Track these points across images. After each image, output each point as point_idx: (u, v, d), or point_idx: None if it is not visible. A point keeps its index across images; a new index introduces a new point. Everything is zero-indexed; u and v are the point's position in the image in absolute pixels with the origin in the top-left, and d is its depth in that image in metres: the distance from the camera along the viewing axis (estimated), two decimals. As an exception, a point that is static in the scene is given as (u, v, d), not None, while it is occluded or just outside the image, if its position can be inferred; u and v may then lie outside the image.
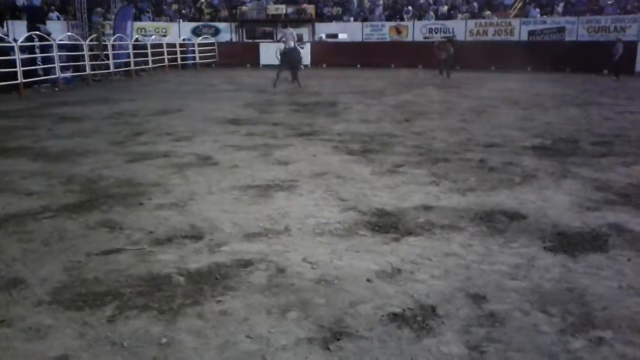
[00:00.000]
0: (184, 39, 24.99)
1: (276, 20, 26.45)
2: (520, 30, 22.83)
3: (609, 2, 22.21)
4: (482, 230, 4.50)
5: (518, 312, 3.19)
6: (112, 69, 18.72)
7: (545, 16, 23.16)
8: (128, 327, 3.03)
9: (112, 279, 3.61)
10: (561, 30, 22.08)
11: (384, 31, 25.15)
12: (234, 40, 26.89)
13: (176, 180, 6.09)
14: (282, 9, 26.32)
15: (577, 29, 21.70)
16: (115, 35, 19.69)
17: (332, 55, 24.30)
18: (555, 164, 6.68)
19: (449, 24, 24.08)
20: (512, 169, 6.46)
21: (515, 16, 23.71)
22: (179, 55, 23.27)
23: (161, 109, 11.62)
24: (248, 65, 24.57)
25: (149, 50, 21.06)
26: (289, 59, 16.58)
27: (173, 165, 6.76)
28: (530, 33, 22.67)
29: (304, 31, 26.51)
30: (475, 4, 24.97)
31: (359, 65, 22.99)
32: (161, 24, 26.76)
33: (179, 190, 5.69)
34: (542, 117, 10.29)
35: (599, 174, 6.20)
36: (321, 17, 26.63)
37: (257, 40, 26.50)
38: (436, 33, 24.13)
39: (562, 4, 23.40)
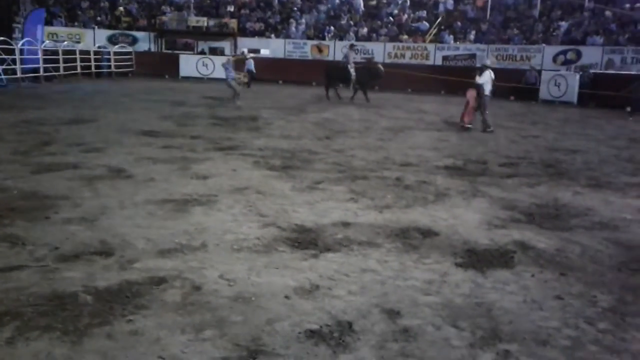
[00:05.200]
0: (99, 47, 24.05)
1: (197, 32, 26.06)
2: (435, 55, 23.87)
3: (516, 32, 23.72)
4: (398, 247, 4.61)
5: (431, 326, 3.28)
6: (19, 74, 17.67)
7: (458, 42, 24.37)
8: (29, 349, 2.84)
9: (11, 298, 3.37)
10: (472, 56, 23.29)
11: (305, 49, 25.46)
12: (152, 50, 26.21)
13: (86, 193, 5.81)
14: (203, 21, 25.97)
15: (487, 56, 22.96)
16: (24, 39, 18.62)
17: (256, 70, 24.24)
18: (466, 184, 6.98)
19: (368, 45, 24.73)
20: (426, 188, 6.69)
21: (431, 41, 24.77)
22: (93, 63, 22.34)
23: (72, 118, 11.08)
24: (167, 76, 24.00)
25: (61, 57, 20.07)
26: (362, 75, 17.31)
27: (83, 177, 6.45)
28: (444, 58, 23.77)
29: (226, 45, 26.30)
30: (395, 28, 25.86)
31: (280, 82, 23.07)
32: (75, 30, 25.62)
33: (89, 204, 5.43)
34: (454, 139, 10.76)
35: (506, 194, 6.54)
36: (244, 32, 26.54)
37: (177, 52, 25.97)
38: (356, 53, 24.72)
39: (473, 32, 24.72)
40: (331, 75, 18.02)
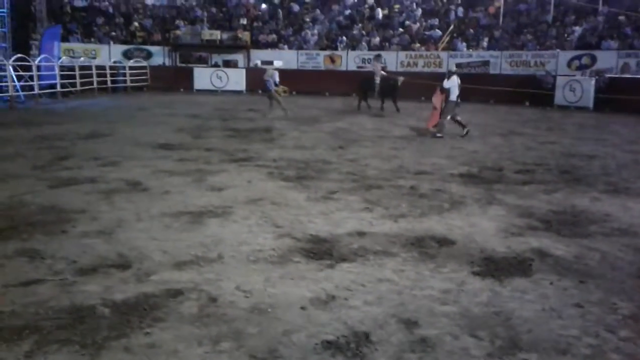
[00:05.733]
0: (114, 62, 24.39)
1: (210, 46, 26.33)
2: (447, 63, 23.83)
3: (529, 38, 23.62)
4: (414, 256, 4.58)
5: (448, 336, 3.24)
6: (37, 91, 17.96)
7: (471, 50, 24.32)
8: (47, 364, 2.86)
9: (30, 312, 3.40)
10: (485, 63, 23.23)
11: (318, 60, 25.58)
12: (167, 64, 26.51)
13: (103, 206, 5.86)
14: (216, 34, 26.24)
15: (501, 63, 22.90)
16: (41, 56, 18.94)
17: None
18: (482, 191, 6.93)
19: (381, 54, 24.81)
20: (441, 196, 6.65)
21: (444, 49, 24.75)
22: (109, 78, 22.65)
23: (88, 133, 11.22)
24: (181, 89, 24.25)
25: (77, 72, 20.38)
26: (387, 88, 17.46)
27: (100, 191, 6.51)
28: (457, 66, 23.72)
29: (239, 57, 26.52)
30: (407, 37, 25.88)
31: (294, 92, 23.18)
32: (91, 46, 26.01)
33: (106, 217, 5.48)
34: (469, 146, 10.70)
35: (522, 201, 6.48)
36: (256, 44, 26.76)
37: (191, 65, 26.24)
38: (368, 63, 24.79)
39: (486, 39, 24.66)
40: (363, 86, 18.05)
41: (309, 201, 6.31)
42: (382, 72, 17.88)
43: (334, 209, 5.97)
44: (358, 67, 24.95)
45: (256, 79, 24.42)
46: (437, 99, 12.26)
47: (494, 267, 4.37)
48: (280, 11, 29.08)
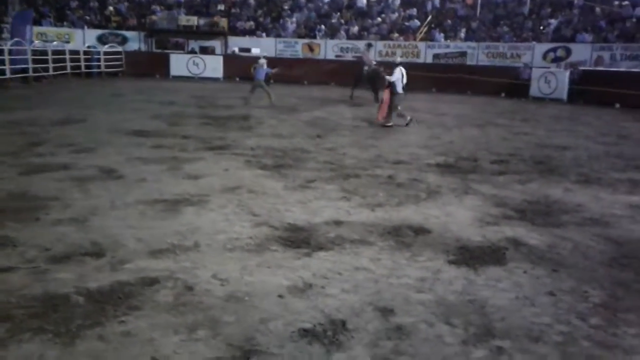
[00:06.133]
0: (88, 46, 23.90)
1: (187, 32, 25.96)
2: (425, 53, 23.92)
3: (506, 30, 23.81)
4: (390, 245, 4.62)
5: (424, 324, 3.28)
6: (8, 75, 17.52)
7: (448, 40, 24.43)
8: (20, 352, 2.82)
9: (2, 300, 3.35)
10: (463, 54, 23.37)
11: (296, 48, 25.42)
12: (142, 49, 26.08)
13: (76, 194, 5.77)
14: (193, 20, 25.88)
15: (478, 54, 23.07)
16: (13, 40, 18.46)
17: (245, 69, 24.19)
18: (458, 181, 7.00)
19: (359, 44, 24.75)
20: (418, 185, 6.70)
21: (421, 40, 24.81)
22: (83, 63, 22.20)
23: (62, 119, 11.00)
24: (157, 76, 23.89)
25: (50, 57, 19.92)
26: (370, 78, 17.02)
27: (73, 178, 6.40)
28: (435, 56, 23.82)
29: (217, 44, 26.22)
30: (385, 26, 25.88)
31: (272, 81, 23.02)
32: (64, 30, 25.40)
33: (80, 204, 5.39)
34: (446, 136, 10.78)
35: (497, 191, 6.57)
36: (234, 31, 26.46)
37: (167, 51, 25.85)
38: (347, 52, 24.74)
39: (464, 30, 24.78)
40: (358, 77, 17.65)
41: (286, 190, 6.30)
42: (373, 62, 17.65)
43: (311, 198, 5.97)
44: (336, 55, 24.89)
45: (233, 66, 24.34)
46: (385, 93, 12.21)
47: (469, 255, 4.42)
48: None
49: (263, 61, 15.86)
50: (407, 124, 11.90)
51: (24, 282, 3.63)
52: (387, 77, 12.09)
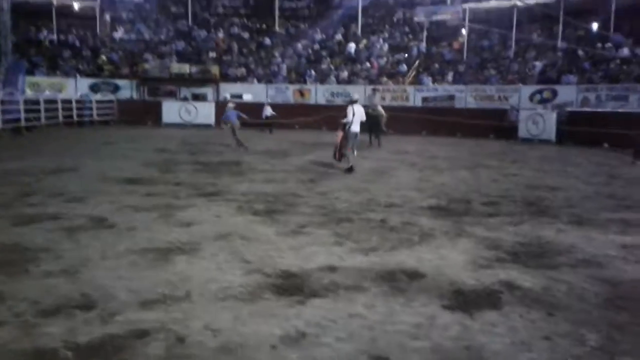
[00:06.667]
0: (81, 95, 24.13)
1: (179, 79, 26.33)
2: (414, 97, 24.33)
3: (493, 73, 24.33)
4: (385, 290, 4.57)
5: (420, 373, 3.22)
6: (0, 126, 17.58)
7: (436, 84, 24.89)
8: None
9: (-12, 357, 3.26)
10: (451, 97, 23.79)
11: (287, 93, 25.80)
12: (134, 97, 26.36)
13: (67, 244, 5.71)
14: (185, 68, 26.31)
15: (466, 97, 23.49)
16: (5, 90, 18.62)
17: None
18: (450, 224, 7.00)
19: (349, 88, 25.16)
20: (411, 229, 6.69)
21: (410, 83, 25.27)
22: (75, 112, 22.36)
23: (53, 168, 10.99)
24: (149, 123, 24.07)
25: (42, 106, 20.06)
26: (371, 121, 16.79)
27: (64, 228, 6.35)
28: (424, 99, 24.23)
29: (208, 91, 26.56)
30: (374, 71, 26.38)
31: (271, 128, 23.26)
32: (57, 79, 25.69)
33: (70, 255, 5.33)
34: (437, 179, 10.85)
35: (490, 233, 6.57)
36: (225, 78, 26.87)
37: (159, 98, 26.13)
38: (337, 97, 25.11)
39: (451, 74, 25.31)
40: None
41: (278, 235, 6.27)
42: (378, 106, 17.54)
43: (304, 243, 5.94)
44: (327, 100, 25.25)
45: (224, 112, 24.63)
46: (338, 134, 11.85)
47: (463, 300, 4.38)
48: (249, 45, 29.40)
49: (231, 105, 16.08)
50: (346, 170, 11.28)
51: (12, 337, 3.55)
52: (343, 120, 11.67)
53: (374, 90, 19.98)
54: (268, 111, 22.78)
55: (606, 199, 8.98)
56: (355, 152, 11.58)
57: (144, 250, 5.51)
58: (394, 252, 5.70)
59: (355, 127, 11.60)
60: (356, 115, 11.58)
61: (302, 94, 25.83)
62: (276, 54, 28.67)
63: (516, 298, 4.46)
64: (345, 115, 11.70)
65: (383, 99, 23.29)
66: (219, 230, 6.40)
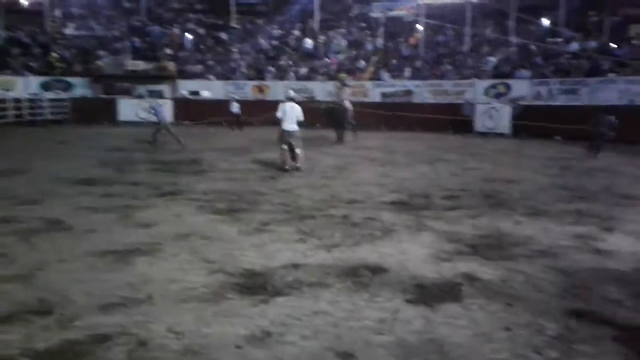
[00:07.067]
0: (31, 94, 23.33)
1: (135, 76, 25.77)
2: (374, 93, 24.51)
3: (448, 68, 24.72)
4: (348, 286, 4.60)
5: (386, 367, 3.25)
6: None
7: (394, 79, 25.13)
8: None
9: (-62, 370, 3.13)
10: (409, 93, 24.05)
11: (246, 90, 25.58)
12: (89, 96, 25.66)
13: (21, 248, 5.53)
14: (141, 64, 25.78)
15: (423, 92, 23.79)
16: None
17: (195, 112, 24.12)
18: (411, 218, 7.09)
19: (309, 85, 25.14)
20: (373, 224, 6.75)
21: (369, 79, 25.43)
22: (26, 111, 21.62)
23: (4, 169, 10.59)
24: (105, 122, 23.50)
25: (-9, 105, 19.35)
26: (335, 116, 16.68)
27: (17, 232, 6.14)
28: (383, 95, 24.44)
29: (165, 88, 26.09)
30: (333, 67, 26.44)
31: (223, 123, 23.01)
32: (6, 78, 24.78)
33: (24, 259, 5.16)
34: (398, 174, 10.96)
35: (450, 226, 6.68)
36: (182, 74, 26.44)
37: (114, 96, 25.52)
38: (297, 93, 25.07)
39: (409, 69, 25.59)
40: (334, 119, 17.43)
41: (241, 234, 6.22)
42: (346, 103, 17.24)
43: (267, 241, 5.92)
44: (286, 97, 25.16)
45: (183, 109, 24.26)
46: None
47: (426, 293, 4.45)
48: (206, 42, 29.02)
49: (161, 102, 15.80)
50: (283, 169, 10.93)
51: (-36, 347, 3.41)
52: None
53: (344, 85, 19.76)
54: (236, 107, 22.25)
55: (560, 190, 9.25)
56: (299, 151, 11.06)
57: (103, 253, 5.39)
58: (357, 248, 5.73)
59: (288, 126, 11.00)
60: (288, 114, 11.05)
61: (261, 90, 25.67)
62: (234, 50, 28.38)
63: (476, 290, 4.55)
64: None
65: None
66: (179, 230, 6.30)
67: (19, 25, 28.69)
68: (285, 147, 11.14)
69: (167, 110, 15.12)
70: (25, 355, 3.31)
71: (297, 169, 11.05)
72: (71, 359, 3.29)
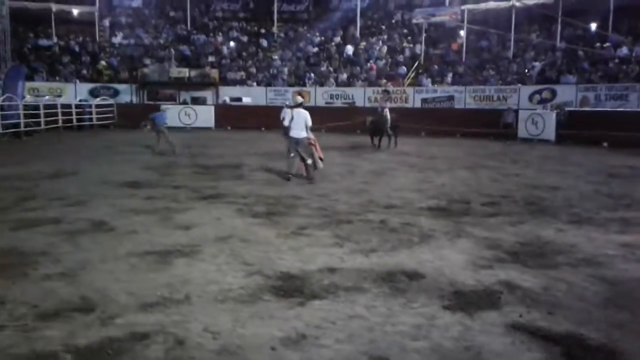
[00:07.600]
0: (80, 100, 24.15)
1: (178, 83, 26.36)
2: (414, 98, 24.33)
3: (492, 73, 24.33)
4: (385, 291, 4.57)
5: (420, 373, 3.21)
6: (0, 130, 17.59)
7: (435, 85, 24.90)
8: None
9: (-13, 361, 3.26)
10: (450, 98, 23.79)
11: (287, 96, 25.81)
12: (134, 102, 26.37)
13: (66, 248, 5.71)
14: (184, 72, 26.37)
15: (465, 98, 23.48)
16: (4, 96, 18.63)
17: (236, 118, 24.50)
18: (450, 224, 6.99)
19: (348, 90, 25.18)
20: (411, 230, 6.69)
21: (410, 85, 25.27)
22: (74, 117, 22.37)
23: (53, 172, 10.99)
24: (149, 126, 24.04)
25: (42, 111, 20.08)
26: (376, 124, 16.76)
27: (63, 232, 6.35)
28: (423, 101, 24.24)
29: (208, 94, 26.59)
30: (373, 73, 26.38)
31: (263, 128, 23.25)
32: (56, 85, 25.75)
33: (69, 258, 5.33)
34: (437, 179, 10.84)
35: (490, 233, 6.56)
36: (225, 81, 26.90)
37: (158, 102, 26.13)
38: (337, 99, 25.14)
39: (450, 75, 25.31)
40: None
41: (279, 237, 6.26)
42: (386, 111, 16.98)
43: (304, 245, 5.94)
44: (326, 102, 25.27)
45: (225, 115, 24.65)
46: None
47: (463, 300, 4.38)
48: (248, 49, 29.43)
49: (165, 107, 15.97)
50: (286, 178, 10.46)
51: (12, 341, 3.54)
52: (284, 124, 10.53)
53: (385, 92, 19.57)
54: (287, 115, 22.05)
55: (605, 197, 8.96)
56: (310, 161, 10.44)
57: (144, 253, 5.51)
58: (394, 253, 5.69)
59: (296, 133, 10.37)
60: (296, 120, 10.42)
61: (301, 96, 25.79)
62: (275, 57, 28.68)
63: (516, 298, 4.45)
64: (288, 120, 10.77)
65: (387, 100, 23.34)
66: (218, 232, 6.39)
67: (70, 34, 29.79)
68: (293, 155, 10.50)
69: (166, 116, 15.35)
70: (67, 351, 3.41)
71: (310, 180, 10.35)
72: (111, 356, 3.37)
